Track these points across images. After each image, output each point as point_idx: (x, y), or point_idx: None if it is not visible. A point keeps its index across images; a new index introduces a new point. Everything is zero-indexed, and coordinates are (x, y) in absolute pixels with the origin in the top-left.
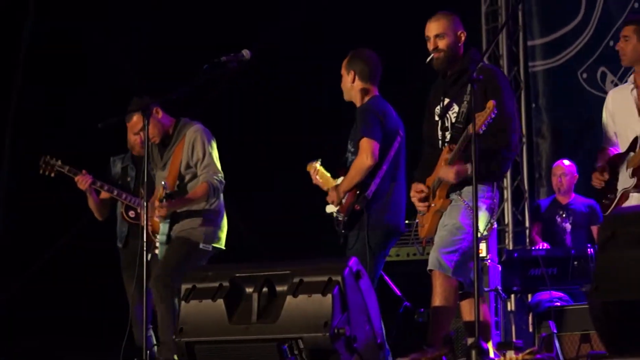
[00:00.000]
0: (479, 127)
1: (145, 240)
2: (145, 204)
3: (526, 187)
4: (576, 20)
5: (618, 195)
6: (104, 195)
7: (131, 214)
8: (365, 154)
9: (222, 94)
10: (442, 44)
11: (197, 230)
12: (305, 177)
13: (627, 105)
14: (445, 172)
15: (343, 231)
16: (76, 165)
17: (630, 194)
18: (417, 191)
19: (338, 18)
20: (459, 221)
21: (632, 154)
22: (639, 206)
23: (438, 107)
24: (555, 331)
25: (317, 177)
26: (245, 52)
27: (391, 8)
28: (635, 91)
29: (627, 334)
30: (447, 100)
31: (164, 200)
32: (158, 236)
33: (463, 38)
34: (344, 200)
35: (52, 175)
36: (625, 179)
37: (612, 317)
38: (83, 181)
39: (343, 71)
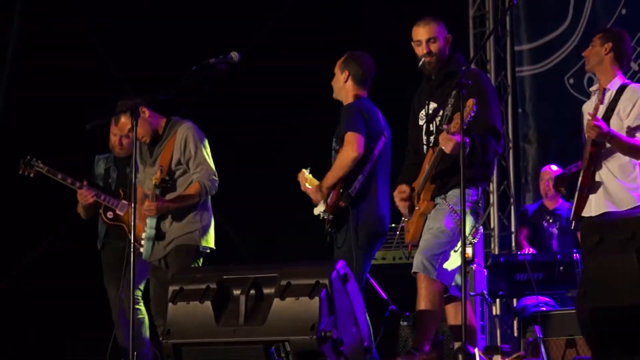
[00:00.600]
0: (458, 128)
1: (132, 242)
2: (133, 206)
3: (512, 191)
4: (563, 26)
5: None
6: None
7: (109, 215)
8: (349, 147)
9: (209, 94)
10: (434, 47)
11: (195, 233)
12: (293, 179)
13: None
14: (445, 139)
15: (330, 230)
16: (57, 166)
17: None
18: (400, 191)
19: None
20: (444, 225)
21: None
22: (625, 212)
23: (423, 111)
24: (541, 336)
25: (307, 184)
26: (234, 54)
27: (378, 11)
28: (596, 95)
29: (614, 340)
30: (432, 104)
31: (159, 185)
32: (146, 230)
33: (449, 42)
34: (328, 200)
35: (32, 175)
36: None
37: (599, 322)
38: (84, 196)
39: (337, 69)
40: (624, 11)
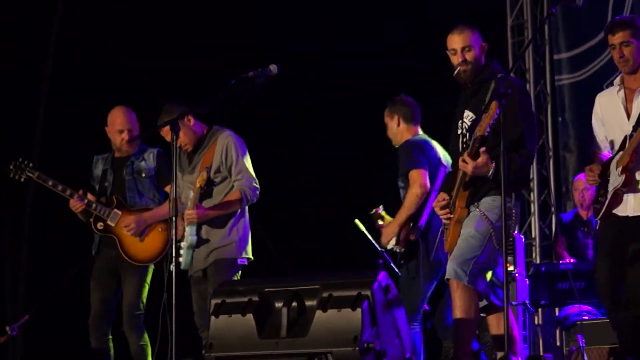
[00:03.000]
0: (484, 130)
1: (174, 255)
2: (174, 219)
3: (553, 201)
4: (602, 33)
5: (609, 195)
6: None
7: (99, 225)
8: (416, 185)
9: (250, 107)
10: (469, 56)
11: (234, 245)
12: (332, 190)
13: (615, 107)
14: (464, 165)
15: (402, 262)
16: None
17: (624, 196)
18: (439, 200)
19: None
20: (474, 229)
21: (621, 153)
22: None
23: (460, 120)
24: (583, 345)
25: (380, 221)
26: (273, 67)
27: (415, 18)
28: (622, 92)
29: None
30: (468, 113)
31: (204, 187)
32: (187, 238)
33: (485, 50)
34: (400, 234)
35: (22, 179)
36: (615, 179)
37: None
38: (74, 206)
39: (386, 119)
40: None
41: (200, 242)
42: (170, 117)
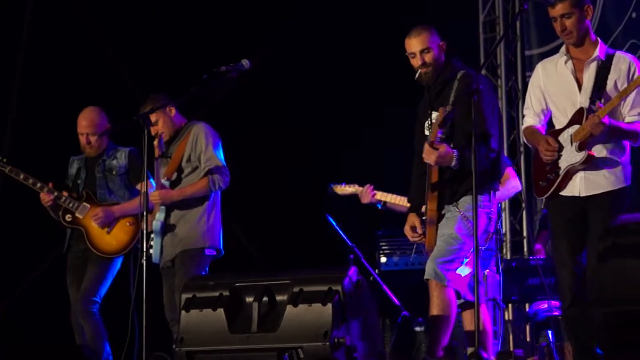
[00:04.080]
0: (434, 136)
1: (144, 248)
2: (145, 214)
3: (524, 197)
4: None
5: (562, 173)
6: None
7: (67, 217)
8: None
9: (222, 99)
10: (428, 58)
11: (201, 235)
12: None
13: (563, 78)
14: (428, 152)
15: None
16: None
17: (576, 174)
18: (410, 225)
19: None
20: (455, 231)
21: (577, 127)
22: (638, 216)
23: (427, 121)
24: (553, 341)
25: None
26: (245, 62)
27: (384, 18)
28: (570, 62)
29: (627, 345)
30: (434, 114)
31: (160, 159)
32: (154, 223)
33: (444, 48)
34: None
35: None
36: (571, 155)
37: (612, 327)
38: (43, 198)
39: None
40: (634, 14)
41: (167, 229)
42: (153, 106)
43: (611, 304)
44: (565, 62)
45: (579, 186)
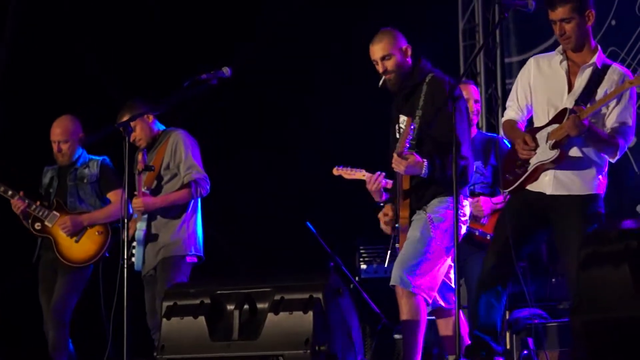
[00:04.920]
0: (403, 147)
1: (125, 257)
2: (125, 222)
3: (505, 209)
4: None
5: (530, 169)
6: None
7: (37, 225)
8: None
9: (202, 107)
10: (389, 65)
11: (182, 241)
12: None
13: (556, 76)
14: (397, 162)
15: None
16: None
17: (543, 173)
18: (384, 214)
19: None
20: (420, 233)
21: (556, 125)
22: (618, 224)
23: (397, 125)
24: (534, 348)
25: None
26: (225, 70)
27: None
28: (565, 63)
29: (609, 352)
30: (402, 117)
31: (143, 172)
32: (136, 233)
33: (409, 52)
34: None
35: None
36: (543, 152)
37: (593, 335)
38: (15, 206)
39: None
40: (613, 22)
41: (150, 238)
42: (133, 114)
43: (593, 311)
44: (561, 62)
45: (547, 184)
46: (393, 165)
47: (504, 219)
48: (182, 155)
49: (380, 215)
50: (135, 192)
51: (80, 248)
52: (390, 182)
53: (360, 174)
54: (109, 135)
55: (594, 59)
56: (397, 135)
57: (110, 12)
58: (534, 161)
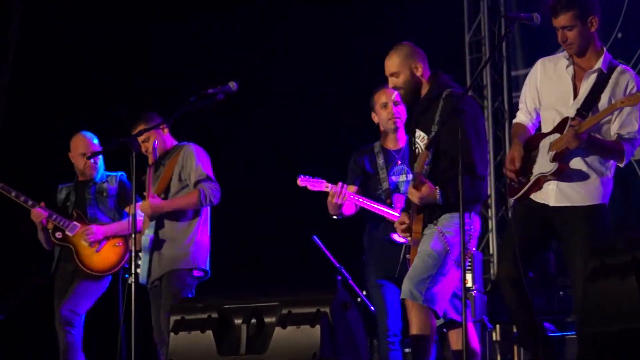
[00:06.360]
0: (422, 167)
1: (134, 269)
2: (134, 235)
3: (511, 216)
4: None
5: (532, 179)
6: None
7: (58, 235)
8: None
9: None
10: (398, 82)
11: (188, 256)
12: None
13: (562, 81)
14: (412, 194)
15: None
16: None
17: (546, 182)
18: (400, 223)
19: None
20: (430, 247)
21: (557, 135)
22: (626, 234)
23: (412, 137)
24: None
25: None
26: (232, 84)
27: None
28: (571, 68)
29: None
30: (418, 132)
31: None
32: (143, 240)
33: (420, 67)
34: None
35: None
36: (544, 163)
37: (601, 347)
38: (36, 215)
39: None
40: (619, 35)
41: (156, 246)
42: (147, 126)
43: (600, 323)
44: (567, 67)
45: (551, 195)
46: (409, 195)
47: (511, 227)
48: (192, 165)
49: (396, 224)
50: (145, 193)
51: (101, 258)
52: (353, 196)
53: (323, 186)
54: (119, 150)
55: (599, 63)
56: (414, 148)
57: (120, 29)
58: (535, 171)
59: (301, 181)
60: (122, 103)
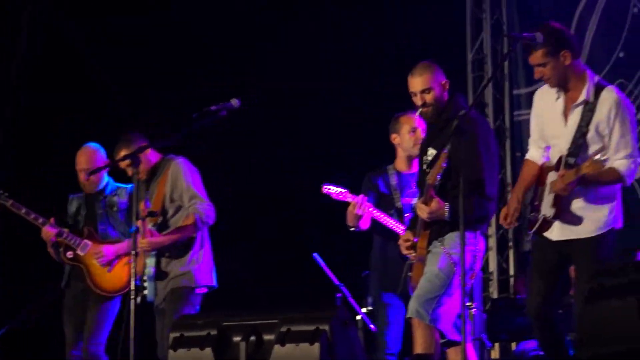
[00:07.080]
0: (434, 179)
1: (133, 288)
2: (134, 252)
3: (511, 235)
4: None
5: (540, 218)
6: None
7: (69, 254)
8: None
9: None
10: (428, 98)
11: (191, 273)
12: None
13: (554, 114)
14: (420, 209)
15: None
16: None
17: (553, 224)
18: (404, 240)
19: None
20: (437, 268)
21: (555, 176)
22: (627, 256)
23: (424, 157)
24: None
25: None
26: (234, 101)
27: (376, 55)
28: (561, 100)
29: None
30: (431, 151)
31: (144, 217)
32: (146, 270)
33: (447, 86)
34: None
35: None
36: (547, 204)
37: None
38: (46, 233)
39: None
40: (621, 54)
41: (160, 274)
42: (129, 150)
43: (598, 344)
44: (557, 100)
45: (556, 232)
46: (417, 211)
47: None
48: (183, 186)
49: (400, 241)
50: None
51: (112, 278)
52: (373, 209)
53: (346, 196)
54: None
55: (583, 94)
56: (423, 167)
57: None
58: (542, 211)
59: (325, 189)
60: (126, 104)
